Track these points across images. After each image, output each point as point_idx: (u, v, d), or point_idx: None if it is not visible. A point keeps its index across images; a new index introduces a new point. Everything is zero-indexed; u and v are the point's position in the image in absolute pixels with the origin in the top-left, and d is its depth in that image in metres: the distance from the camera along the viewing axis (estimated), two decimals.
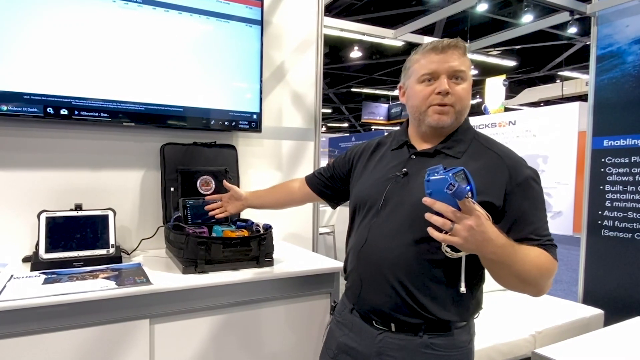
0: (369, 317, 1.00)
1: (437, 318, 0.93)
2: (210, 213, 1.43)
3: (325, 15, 2.15)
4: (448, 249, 0.85)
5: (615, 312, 2.25)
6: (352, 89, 12.02)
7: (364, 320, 1.02)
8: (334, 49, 8.71)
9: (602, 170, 2.48)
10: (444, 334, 0.95)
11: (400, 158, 1.04)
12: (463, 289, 0.87)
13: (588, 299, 2.51)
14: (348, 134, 15.50)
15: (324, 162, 1.63)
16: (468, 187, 0.77)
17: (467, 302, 0.96)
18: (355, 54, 8.47)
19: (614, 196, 2.43)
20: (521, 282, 0.86)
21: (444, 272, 0.92)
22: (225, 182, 1.43)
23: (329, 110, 15.37)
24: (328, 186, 1.27)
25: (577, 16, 2.57)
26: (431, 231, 0.81)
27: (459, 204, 0.76)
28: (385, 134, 1.21)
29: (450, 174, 0.77)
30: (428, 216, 0.80)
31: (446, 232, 0.79)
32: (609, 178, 2.45)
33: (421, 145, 1.03)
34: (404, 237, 0.94)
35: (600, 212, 2.49)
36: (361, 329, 1.02)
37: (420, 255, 0.93)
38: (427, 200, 0.79)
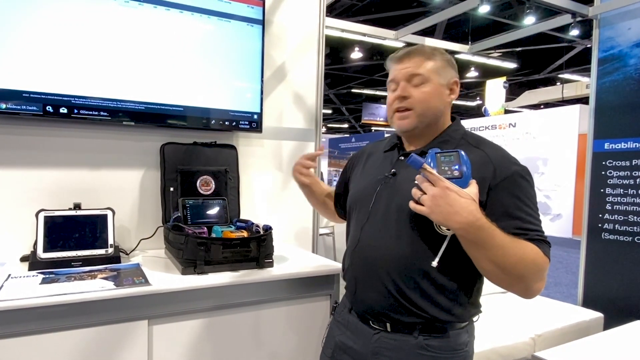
0: (365, 316, 1.02)
1: (430, 316, 0.93)
2: (297, 166, 1.33)
3: (326, 15, 2.15)
4: (439, 226, 0.89)
5: (615, 316, 2.25)
6: (353, 90, 12.02)
7: (361, 320, 1.03)
8: (335, 50, 8.71)
9: (603, 173, 2.47)
10: (440, 336, 0.95)
11: (391, 159, 1.07)
12: (435, 263, 0.88)
13: (588, 302, 2.50)
14: (348, 135, 15.49)
15: (324, 163, 1.63)
16: (456, 167, 0.84)
17: (462, 302, 0.95)
18: (356, 54, 8.47)
19: (614, 199, 2.43)
20: (504, 272, 0.84)
21: (435, 269, 0.91)
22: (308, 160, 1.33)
23: (330, 111, 15.37)
24: (337, 198, 1.31)
25: (579, 19, 2.57)
26: (410, 202, 0.87)
27: (424, 174, 0.83)
28: (386, 135, 1.23)
29: (434, 152, 0.86)
30: (413, 189, 0.87)
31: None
32: (610, 181, 2.44)
33: (410, 147, 1.06)
34: (394, 236, 0.96)
35: (600, 215, 2.48)
36: (358, 328, 1.03)
37: (410, 254, 0.94)
38: (417, 176, 0.86)
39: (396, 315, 0.96)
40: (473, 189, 0.84)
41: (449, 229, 0.86)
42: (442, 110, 1.01)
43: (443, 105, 1.01)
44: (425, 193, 0.83)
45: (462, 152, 0.85)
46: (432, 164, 0.84)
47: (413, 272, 0.94)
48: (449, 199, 0.81)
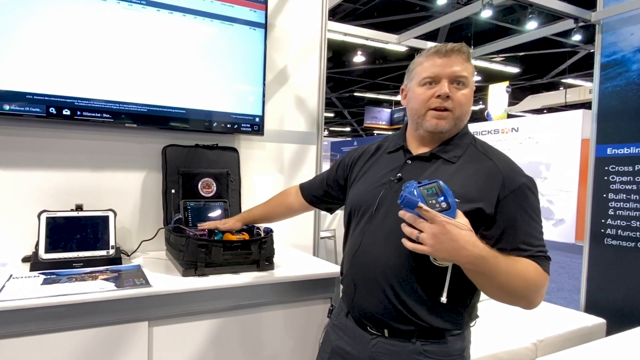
0: (363, 321, 1.00)
1: (429, 325, 0.93)
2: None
3: (329, 19, 2.16)
4: (435, 259, 0.86)
5: (617, 322, 2.23)
6: (355, 94, 12.04)
7: (358, 325, 1.02)
8: (337, 54, 8.74)
9: (606, 178, 2.46)
10: (438, 341, 0.94)
11: (396, 163, 1.04)
12: (444, 298, 0.86)
13: (590, 308, 2.49)
14: (350, 138, 15.51)
15: (326, 166, 1.63)
16: (442, 198, 0.80)
17: (460, 311, 0.95)
18: (359, 58, 8.50)
19: (617, 205, 2.42)
20: (507, 295, 0.85)
21: (435, 279, 0.91)
22: (218, 228, 1.41)
23: (332, 115, 15.39)
24: (325, 195, 1.28)
25: (581, 24, 2.57)
26: (404, 241, 0.84)
27: (419, 212, 0.80)
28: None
29: (416, 186, 0.82)
30: (402, 227, 0.84)
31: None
32: (613, 186, 2.43)
33: (418, 150, 1.03)
34: (396, 244, 0.93)
35: (603, 221, 2.47)
36: (355, 333, 1.02)
37: (411, 262, 0.92)
38: (400, 212, 0.83)
39: (394, 323, 0.95)
40: (464, 218, 0.82)
41: None
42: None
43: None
44: (420, 231, 0.81)
45: (441, 182, 0.83)
46: (419, 199, 0.81)
47: (412, 281, 0.92)
48: (452, 235, 0.78)
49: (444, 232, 0.78)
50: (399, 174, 1.00)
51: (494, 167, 0.93)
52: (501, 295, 0.86)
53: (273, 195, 1.47)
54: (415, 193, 0.81)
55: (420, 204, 0.79)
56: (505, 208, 0.89)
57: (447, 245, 0.79)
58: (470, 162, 0.96)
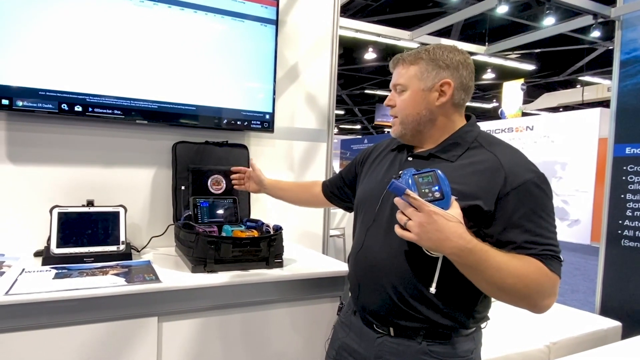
0: (369, 319, 1.01)
1: (433, 322, 0.92)
2: (233, 179, 1.57)
3: (340, 15, 2.14)
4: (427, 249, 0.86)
5: (633, 325, 2.18)
6: (366, 91, 11.99)
7: (365, 323, 1.02)
8: (348, 50, 8.70)
9: (624, 178, 2.40)
10: (444, 342, 0.93)
11: (399, 160, 1.05)
12: (432, 289, 0.86)
13: (606, 311, 2.44)
14: (360, 136, 15.47)
15: (335, 164, 1.63)
16: (436, 188, 0.80)
17: (466, 309, 0.93)
18: (370, 55, 8.43)
19: (635, 205, 2.36)
20: (502, 292, 0.83)
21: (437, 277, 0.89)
22: (252, 162, 1.52)
23: (342, 112, 15.36)
24: (340, 191, 1.31)
25: (600, 20, 2.50)
26: (395, 227, 0.85)
27: (407, 200, 0.80)
28: None
29: (411, 173, 0.83)
30: (396, 213, 0.85)
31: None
32: (631, 187, 2.37)
33: (419, 149, 1.04)
34: (398, 242, 0.92)
35: (620, 222, 2.41)
36: (362, 331, 1.03)
37: (413, 260, 0.92)
38: (395, 199, 0.83)
39: (399, 321, 0.95)
40: (456, 209, 0.82)
41: None
42: (428, 115, 0.98)
43: (428, 109, 0.98)
44: (410, 218, 0.81)
45: (439, 172, 0.82)
46: (411, 187, 0.81)
47: (415, 279, 0.92)
48: (438, 225, 0.78)
49: (430, 221, 0.78)
50: (400, 172, 0.99)
51: (497, 163, 0.90)
52: (496, 293, 0.84)
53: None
54: (410, 181, 0.82)
55: (408, 191, 0.79)
56: (506, 205, 0.86)
57: (432, 235, 0.79)
58: (471, 159, 0.94)
